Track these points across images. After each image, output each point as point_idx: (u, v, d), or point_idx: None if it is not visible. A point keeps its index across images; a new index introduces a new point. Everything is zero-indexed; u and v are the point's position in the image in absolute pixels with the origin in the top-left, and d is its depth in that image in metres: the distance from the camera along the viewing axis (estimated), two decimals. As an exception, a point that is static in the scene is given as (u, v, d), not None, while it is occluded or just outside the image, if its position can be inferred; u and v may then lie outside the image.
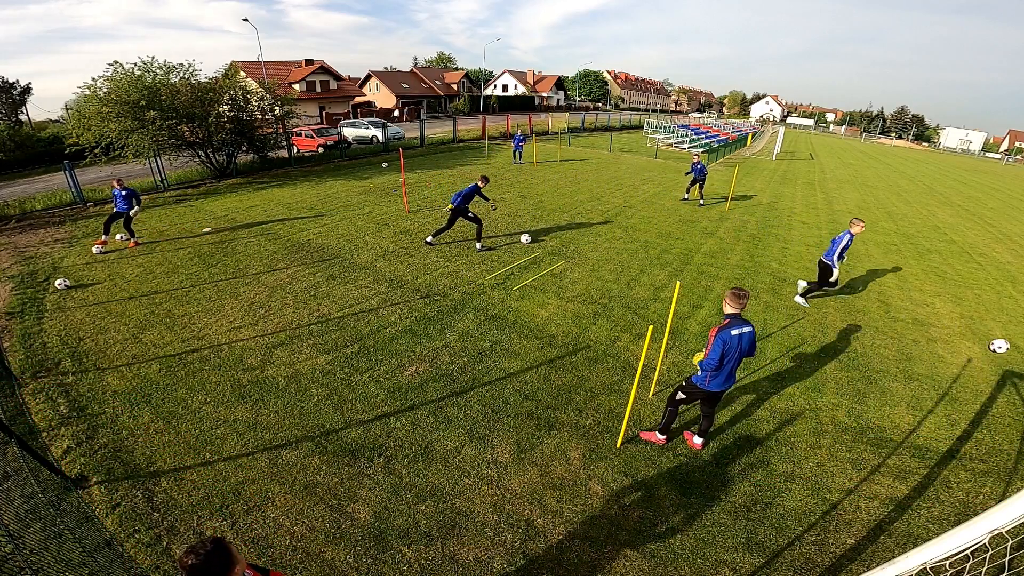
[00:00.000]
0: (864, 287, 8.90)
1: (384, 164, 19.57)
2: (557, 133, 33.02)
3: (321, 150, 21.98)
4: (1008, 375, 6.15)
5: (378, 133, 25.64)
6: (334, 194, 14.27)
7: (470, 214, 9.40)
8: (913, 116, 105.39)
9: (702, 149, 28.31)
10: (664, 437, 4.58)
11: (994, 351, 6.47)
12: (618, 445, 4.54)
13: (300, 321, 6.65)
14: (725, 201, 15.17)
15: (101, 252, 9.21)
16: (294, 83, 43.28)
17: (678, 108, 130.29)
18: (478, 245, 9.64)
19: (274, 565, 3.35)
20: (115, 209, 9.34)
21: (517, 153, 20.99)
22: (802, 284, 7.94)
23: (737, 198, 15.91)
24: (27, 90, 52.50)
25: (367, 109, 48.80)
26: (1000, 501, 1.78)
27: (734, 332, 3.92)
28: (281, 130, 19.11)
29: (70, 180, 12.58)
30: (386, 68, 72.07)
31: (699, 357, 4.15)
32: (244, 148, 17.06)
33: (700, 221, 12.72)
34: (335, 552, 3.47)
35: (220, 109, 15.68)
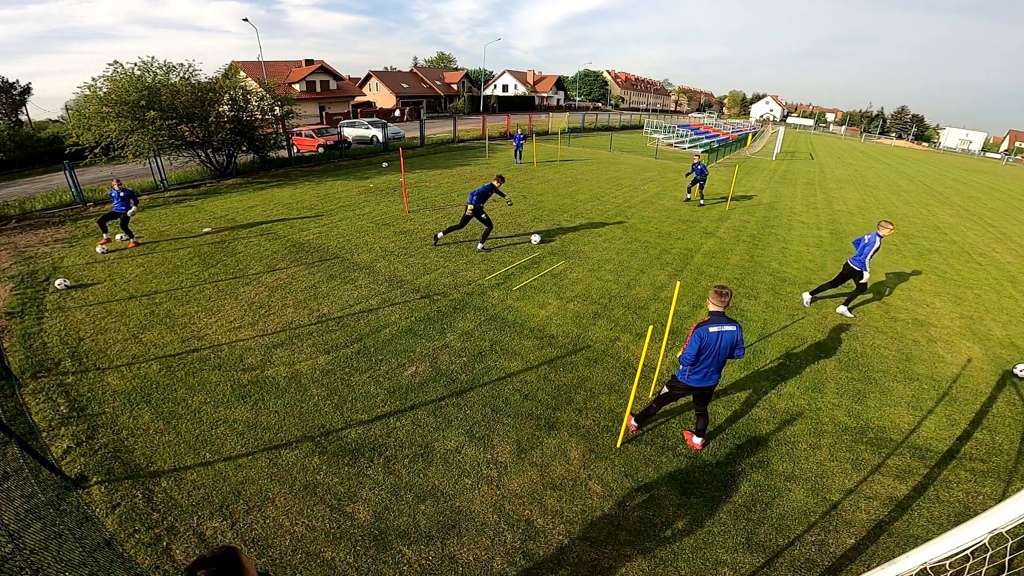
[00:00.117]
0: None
1: (384, 164, 19.57)
2: (557, 133, 33.01)
3: (321, 150, 21.99)
4: (1008, 375, 6.15)
5: (378, 133, 25.64)
6: (334, 194, 14.27)
7: (483, 215, 9.41)
8: (913, 116, 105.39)
9: (702, 149, 28.30)
10: (636, 425, 4.71)
11: (1018, 375, 6.13)
12: (618, 445, 4.54)
13: (300, 321, 6.65)
14: (725, 201, 15.17)
15: (105, 251, 9.25)
16: (294, 83, 43.29)
17: (678, 108, 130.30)
18: (480, 245, 9.64)
19: (274, 565, 3.35)
20: (112, 209, 9.35)
21: (518, 152, 21.02)
22: (842, 309, 7.61)
23: (737, 198, 15.91)
24: (27, 90, 52.51)
25: (367, 109, 48.80)
26: (1000, 501, 1.78)
27: (712, 329, 3.95)
28: (281, 130, 19.11)
29: (70, 180, 12.58)
30: (386, 68, 72.10)
31: (681, 352, 4.19)
32: (244, 148, 17.07)
33: (700, 221, 12.72)
34: (335, 552, 3.47)
35: (220, 109, 15.69)
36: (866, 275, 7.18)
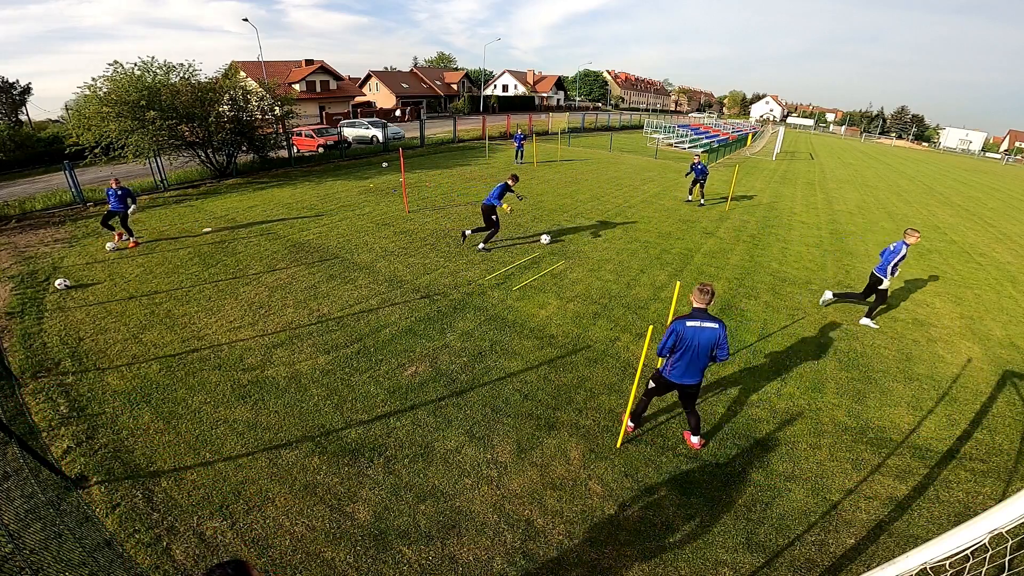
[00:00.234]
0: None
1: (384, 164, 19.57)
2: (557, 133, 33.01)
3: (321, 150, 21.99)
4: (1008, 375, 6.15)
5: (378, 133, 25.64)
6: (334, 194, 14.27)
7: (494, 216, 9.43)
8: (913, 116, 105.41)
9: (702, 149, 28.31)
10: (632, 425, 4.72)
11: None
12: (618, 445, 4.54)
13: (300, 321, 6.65)
14: (725, 201, 15.17)
15: (115, 248, 9.36)
16: (294, 83, 43.29)
17: (678, 108, 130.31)
18: (481, 245, 9.64)
19: (274, 565, 3.35)
20: (109, 208, 9.37)
21: (519, 152, 21.03)
22: (866, 320, 7.32)
23: (737, 198, 15.90)
24: (27, 90, 52.52)
25: (367, 109, 48.82)
26: (1000, 501, 1.78)
27: (690, 324, 3.98)
28: (281, 130, 19.11)
29: (70, 180, 12.58)
30: (386, 68, 72.10)
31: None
32: (244, 148, 17.07)
33: (700, 221, 12.72)
34: (335, 552, 3.47)
35: (220, 109, 15.69)
36: (885, 282, 6.92)
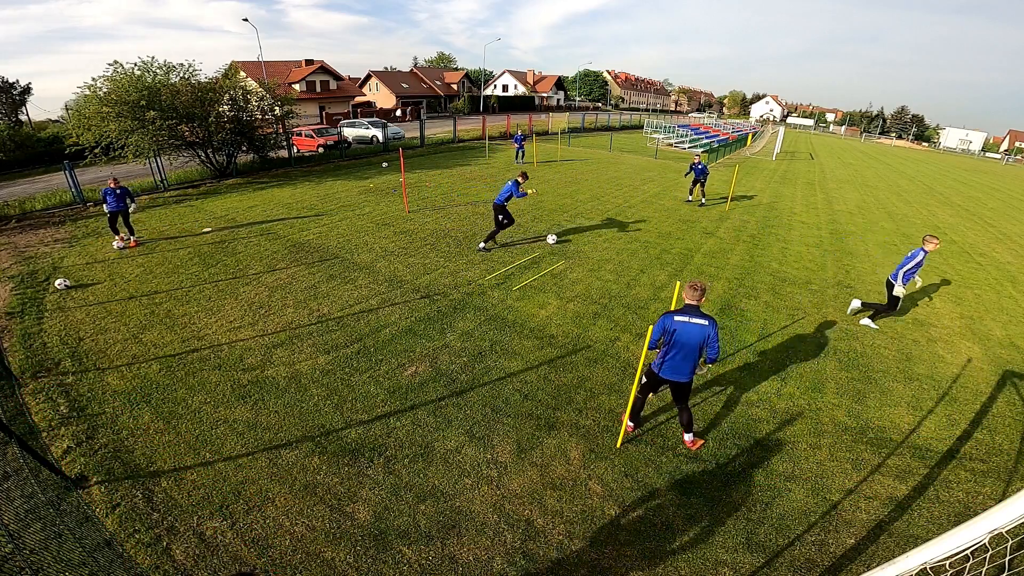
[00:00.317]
0: (864, 287, 8.90)
1: (384, 164, 19.57)
2: (557, 133, 33.01)
3: (321, 150, 21.99)
4: (1008, 375, 6.15)
5: (378, 133, 25.64)
6: (334, 194, 14.27)
7: (500, 216, 9.44)
8: (913, 116, 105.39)
9: (702, 149, 28.31)
10: (632, 425, 4.72)
11: None
12: (618, 445, 4.54)
13: (300, 321, 6.65)
14: (725, 201, 15.17)
15: (121, 247, 9.40)
16: (294, 83, 43.28)
17: (678, 108, 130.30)
18: (481, 244, 9.64)
19: (274, 565, 3.35)
20: (107, 209, 9.36)
21: (519, 152, 21.04)
22: (866, 320, 7.28)
23: (737, 198, 15.90)
24: (27, 90, 52.51)
25: (367, 109, 48.80)
26: (1000, 501, 1.78)
27: (679, 318, 4.00)
28: (281, 130, 19.12)
29: (70, 180, 12.59)
30: (386, 68, 72.09)
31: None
32: (244, 148, 17.08)
33: (700, 221, 12.72)
34: (335, 552, 3.47)
35: (220, 109, 15.69)
36: (897, 288, 6.71)
